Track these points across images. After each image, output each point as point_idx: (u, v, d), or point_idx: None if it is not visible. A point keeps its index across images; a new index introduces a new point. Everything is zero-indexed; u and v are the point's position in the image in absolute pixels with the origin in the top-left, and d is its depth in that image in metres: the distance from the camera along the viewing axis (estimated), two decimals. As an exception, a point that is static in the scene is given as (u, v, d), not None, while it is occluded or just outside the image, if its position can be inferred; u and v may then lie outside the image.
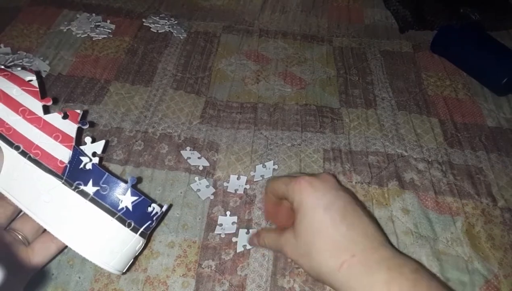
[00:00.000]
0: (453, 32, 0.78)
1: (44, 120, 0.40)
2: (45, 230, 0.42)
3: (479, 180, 0.59)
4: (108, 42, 0.77)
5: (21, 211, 0.39)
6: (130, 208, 0.38)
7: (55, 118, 0.40)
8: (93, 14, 0.82)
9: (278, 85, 0.72)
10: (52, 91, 0.65)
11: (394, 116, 0.68)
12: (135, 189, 0.38)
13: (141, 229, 0.39)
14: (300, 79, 0.74)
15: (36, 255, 0.40)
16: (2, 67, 0.43)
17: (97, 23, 0.80)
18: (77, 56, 0.73)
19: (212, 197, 0.55)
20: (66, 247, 0.42)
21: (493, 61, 0.73)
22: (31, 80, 0.41)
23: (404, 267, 0.35)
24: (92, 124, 0.61)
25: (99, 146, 0.42)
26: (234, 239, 0.51)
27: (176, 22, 0.83)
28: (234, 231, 0.51)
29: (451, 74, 0.77)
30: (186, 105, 0.66)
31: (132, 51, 0.75)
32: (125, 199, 0.37)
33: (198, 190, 0.55)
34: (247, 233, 0.51)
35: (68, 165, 0.38)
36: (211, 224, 0.52)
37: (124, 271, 0.41)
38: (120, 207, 0.37)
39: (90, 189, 0.37)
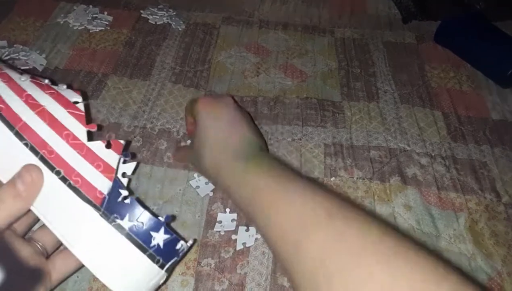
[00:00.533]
0: (457, 22, 0.77)
1: (87, 147, 0.38)
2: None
3: (483, 175, 0.58)
4: (105, 34, 0.75)
5: (43, 223, 0.38)
6: (161, 245, 0.37)
7: (98, 147, 0.38)
8: (90, 6, 0.80)
9: (279, 78, 0.71)
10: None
11: (396, 109, 0.67)
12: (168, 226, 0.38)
13: (168, 265, 0.38)
14: (301, 72, 0.73)
15: (57, 271, 0.40)
16: (47, 82, 0.41)
17: (94, 15, 0.79)
18: (74, 49, 0.72)
19: (211, 194, 0.54)
20: (83, 265, 0.41)
21: (498, 52, 0.72)
22: (76, 102, 0.40)
23: (264, 159, 0.43)
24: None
25: (130, 167, 0.42)
26: (233, 237, 0.50)
27: (174, 13, 0.81)
28: (233, 228, 0.51)
29: (455, 66, 0.76)
30: (185, 100, 0.65)
31: (130, 44, 0.74)
32: (158, 236, 0.37)
33: (197, 186, 0.54)
34: (247, 230, 0.50)
35: (107, 197, 0.37)
36: (211, 221, 0.51)
37: None
38: (152, 244, 0.37)
39: (126, 223, 0.36)
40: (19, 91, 0.38)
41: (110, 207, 0.37)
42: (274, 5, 0.88)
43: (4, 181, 0.36)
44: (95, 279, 0.46)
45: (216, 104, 0.48)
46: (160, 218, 0.38)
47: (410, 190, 0.56)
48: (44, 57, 0.69)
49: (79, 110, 0.39)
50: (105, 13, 0.80)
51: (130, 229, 0.36)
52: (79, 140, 0.38)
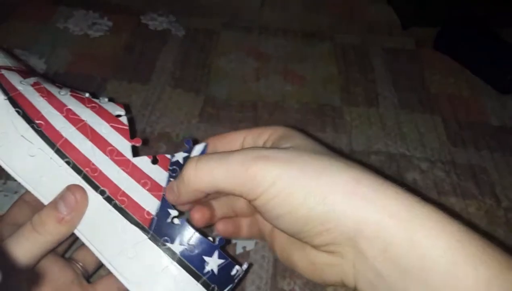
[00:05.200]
0: (457, 29, 0.77)
1: (133, 163, 0.35)
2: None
3: (482, 180, 0.58)
4: (105, 39, 0.75)
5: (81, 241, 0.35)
6: (216, 271, 0.34)
7: (144, 163, 0.35)
8: (90, 11, 0.81)
9: (279, 83, 0.71)
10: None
11: (396, 115, 0.67)
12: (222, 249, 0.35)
13: None
14: (300, 77, 0.73)
15: None
16: (88, 96, 0.38)
17: (94, 20, 0.79)
18: (73, 54, 0.72)
19: (210, 198, 0.54)
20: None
21: (497, 58, 0.72)
22: (119, 116, 0.37)
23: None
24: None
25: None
26: (233, 240, 0.50)
27: (174, 19, 0.82)
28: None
29: (455, 72, 0.76)
30: (185, 104, 0.65)
31: (130, 49, 0.74)
32: (212, 261, 0.34)
33: (197, 190, 0.54)
34: None
35: (156, 218, 0.34)
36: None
37: None
38: (206, 270, 0.34)
39: (177, 247, 0.33)
40: (59, 106, 0.36)
41: (159, 229, 0.34)
42: (274, 11, 0.88)
43: (46, 203, 0.34)
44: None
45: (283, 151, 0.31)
46: (210, 238, 0.34)
47: (411, 195, 0.55)
48: (43, 62, 0.69)
49: (123, 124, 0.37)
50: (105, 18, 0.80)
51: (182, 253, 0.33)
52: (124, 156, 0.35)
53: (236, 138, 0.38)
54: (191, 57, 0.74)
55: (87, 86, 0.66)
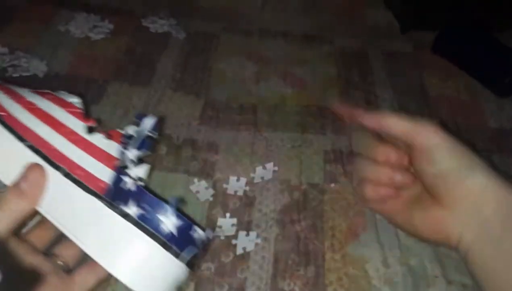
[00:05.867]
0: (455, 32, 0.78)
1: (88, 141, 0.38)
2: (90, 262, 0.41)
3: (481, 182, 0.59)
4: (106, 42, 0.76)
5: (63, 235, 0.37)
6: (175, 232, 0.35)
7: (98, 139, 0.39)
8: (91, 14, 0.81)
9: (279, 86, 0.71)
10: (49, 91, 0.65)
11: (395, 117, 0.67)
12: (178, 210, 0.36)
13: (184, 255, 0.36)
14: (300, 79, 0.73)
15: (76, 287, 0.39)
16: (47, 91, 0.42)
17: (95, 23, 0.79)
18: (75, 56, 0.72)
19: (211, 199, 0.54)
20: (105, 279, 0.41)
21: (495, 62, 0.73)
22: (75, 102, 0.40)
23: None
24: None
25: (144, 171, 0.40)
26: (233, 241, 0.50)
27: (175, 22, 0.82)
28: (233, 233, 0.51)
29: (453, 75, 0.76)
30: (185, 106, 0.66)
31: (131, 52, 0.75)
32: (169, 222, 0.35)
33: (197, 191, 0.54)
34: (247, 235, 0.50)
35: (111, 186, 0.37)
36: (211, 226, 0.51)
37: None
38: (163, 231, 0.35)
39: (132, 210, 0.35)
40: (19, 99, 0.39)
41: (114, 196, 0.36)
42: (274, 14, 0.89)
43: (8, 184, 0.36)
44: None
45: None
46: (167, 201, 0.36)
47: (410, 196, 0.56)
48: (45, 64, 0.70)
49: (77, 108, 0.40)
50: (106, 21, 0.80)
51: (138, 216, 0.35)
52: (79, 135, 0.38)
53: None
54: (192, 60, 0.75)
55: (88, 88, 0.66)
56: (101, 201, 0.36)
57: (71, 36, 0.76)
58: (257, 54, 0.78)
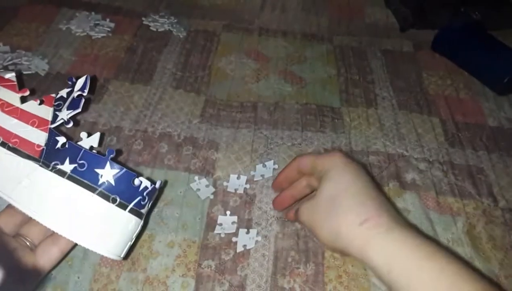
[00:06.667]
0: (454, 31, 0.78)
1: (21, 109, 0.41)
2: (51, 234, 0.41)
3: (480, 180, 0.59)
4: (107, 41, 0.76)
5: (30, 218, 0.38)
6: (112, 182, 0.36)
7: (31, 106, 0.41)
8: (93, 13, 0.81)
9: (278, 84, 0.72)
10: (51, 90, 0.65)
11: (395, 115, 0.68)
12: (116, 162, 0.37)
13: (130, 205, 0.37)
14: (300, 78, 0.73)
15: (40, 259, 0.40)
16: None
17: (96, 22, 0.80)
18: (76, 55, 0.72)
19: (211, 197, 0.54)
20: (69, 251, 0.41)
21: (494, 60, 0.73)
22: (10, 77, 0.43)
23: (418, 231, 0.37)
24: (91, 123, 0.61)
25: (94, 139, 0.41)
26: (234, 239, 0.50)
27: (175, 20, 0.82)
28: (234, 231, 0.51)
29: (452, 74, 0.77)
30: (186, 104, 0.66)
31: (132, 50, 0.75)
32: (105, 172, 0.36)
33: (198, 189, 0.55)
34: (247, 232, 0.51)
35: (45, 148, 0.39)
36: (211, 224, 0.52)
37: (121, 255, 0.39)
38: (100, 182, 0.36)
39: (67, 167, 0.36)
40: None
41: (49, 156, 0.38)
42: (273, 13, 0.89)
43: None
44: (96, 279, 0.46)
45: (353, 161, 0.42)
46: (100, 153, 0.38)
47: (409, 194, 0.56)
48: (46, 63, 0.70)
49: (11, 81, 0.42)
50: (107, 20, 0.81)
51: (73, 171, 0.36)
52: (13, 106, 0.41)
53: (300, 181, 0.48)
54: (192, 58, 0.75)
55: (89, 87, 0.66)
56: (36, 162, 0.38)
57: (72, 35, 0.76)
58: (257, 53, 0.78)
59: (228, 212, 0.53)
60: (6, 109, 0.40)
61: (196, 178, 0.56)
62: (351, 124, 0.66)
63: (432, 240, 0.35)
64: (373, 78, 0.74)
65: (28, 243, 0.41)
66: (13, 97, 0.41)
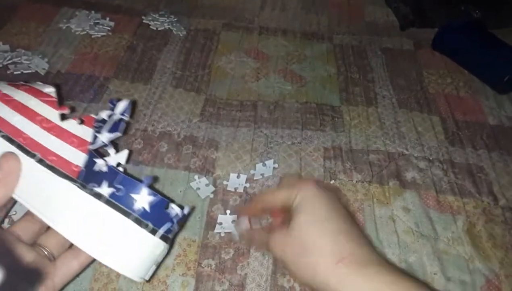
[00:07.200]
0: (454, 30, 0.78)
1: (60, 127, 0.40)
2: (70, 246, 0.41)
3: (480, 179, 0.59)
4: (107, 39, 0.76)
5: (48, 227, 0.38)
6: (147, 208, 0.36)
7: (71, 125, 0.40)
8: (92, 12, 0.81)
9: (278, 83, 0.72)
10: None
11: (395, 114, 0.67)
12: (152, 189, 0.37)
13: (160, 231, 0.37)
14: (300, 77, 0.73)
15: (58, 272, 0.39)
16: (22, 83, 0.43)
17: (96, 21, 0.80)
18: (76, 54, 0.72)
19: (211, 196, 0.54)
20: (88, 265, 0.41)
21: (494, 59, 0.73)
22: (50, 92, 0.41)
23: (393, 267, 0.36)
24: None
25: (122, 156, 0.41)
26: (232, 231, 0.50)
27: (175, 19, 0.82)
28: (234, 230, 0.51)
29: (452, 72, 0.77)
30: (186, 103, 0.66)
31: (132, 49, 0.75)
32: (141, 199, 0.36)
33: (198, 188, 0.55)
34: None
35: (84, 169, 0.38)
36: (211, 223, 0.52)
37: (146, 278, 0.39)
38: (136, 208, 0.36)
39: (105, 190, 0.36)
40: None
41: (87, 178, 0.37)
42: (273, 12, 0.89)
43: None
44: (96, 279, 0.46)
45: (326, 192, 0.41)
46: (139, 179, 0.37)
47: (409, 193, 0.56)
48: (46, 61, 0.70)
49: (51, 96, 0.41)
50: (107, 18, 0.80)
51: (110, 195, 0.36)
52: (52, 122, 0.40)
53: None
54: (192, 57, 0.75)
55: (89, 86, 0.66)
56: (73, 183, 0.37)
57: (72, 34, 0.76)
58: (257, 52, 0.78)
59: (228, 211, 0.53)
60: (45, 125, 0.40)
61: (196, 177, 0.56)
62: (351, 123, 0.65)
63: (408, 276, 0.35)
64: (373, 77, 0.74)
65: (46, 253, 0.40)
66: (52, 114, 0.40)
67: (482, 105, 0.71)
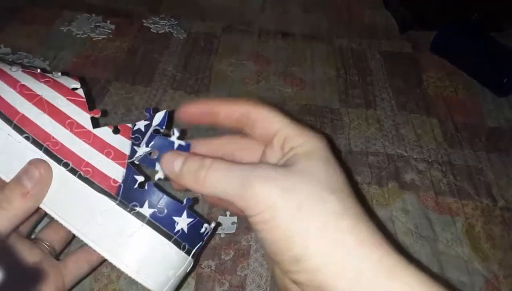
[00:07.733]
0: (453, 32, 0.78)
1: (94, 134, 0.35)
2: (72, 239, 0.41)
3: (479, 180, 0.59)
4: (108, 42, 0.77)
5: (57, 223, 0.35)
6: (186, 230, 0.35)
7: (105, 133, 0.36)
8: (93, 15, 0.82)
9: (278, 86, 0.72)
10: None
11: (394, 116, 0.68)
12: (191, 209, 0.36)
13: (194, 251, 0.36)
14: (300, 79, 0.74)
15: (69, 272, 0.38)
16: (39, 71, 0.38)
17: (97, 24, 0.80)
18: (77, 57, 0.73)
19: (212, 197, 0.54)
20: (97, 267, 0.40)
21: (493, 61, 0.73)
22: (76, 89, 0.37)
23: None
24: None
25: (162, 173, 0.36)
26: (234, 239, 0.50)
27: (176, 22, 0.83)
28: (234, 231, 0.51)
29: (451, 75, 0.77)
30: (186, 106, 0.66)
31: (132, 52, 0.75)
32: (181, 221, 0.35)
33: (198, 190, 0.55)
34: (247, 233, 0.51)
35: (122, 185, 0.35)
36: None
37: None
38: (176, 230, 0.35)
39: (146, 210, 0.34)
40: (12, 83, 0.35)
41: (127, 195, 0.34)
42: (273, 15, 0.89)
43: (8, 180, 0.34)
44: (97, 279, 0.46)
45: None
46: (179, 200, 0.35)
47: (408, 195, 0.57)
48: (47, 64, 0.70)
49: (80, 96, 0.36)
50: (108, 21, 0.81)
51: (151, 216, 0.34)
52: (84, 128, 0.35)
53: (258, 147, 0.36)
54: (192, 60, 0.75)
55: (90, 88, 0.67)
56: (112, 200, 0.34)
57: (73, 37, 0.77)
58: (257, 55, 0.78)
59: (228, 213, 0.53)
60: (76, 130, 0.35)
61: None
62: (350, 125, 0.66)
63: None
64: (373, 80, 0.75)
65: (48, 248, 0.39)
66: (82, 117, 0.36)
67: (481, 107, 0.71)
